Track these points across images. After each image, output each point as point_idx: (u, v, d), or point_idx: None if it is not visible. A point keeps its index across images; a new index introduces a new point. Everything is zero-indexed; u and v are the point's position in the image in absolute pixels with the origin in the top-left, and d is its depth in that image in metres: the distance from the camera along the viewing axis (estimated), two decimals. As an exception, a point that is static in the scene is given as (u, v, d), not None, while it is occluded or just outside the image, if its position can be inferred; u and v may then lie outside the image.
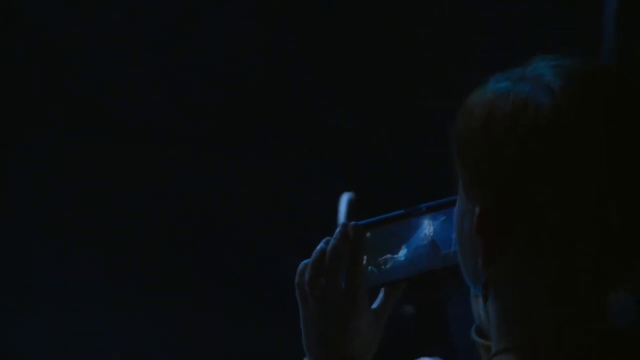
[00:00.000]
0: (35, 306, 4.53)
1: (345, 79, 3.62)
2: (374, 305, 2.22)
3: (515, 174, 1.84)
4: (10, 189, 4.89)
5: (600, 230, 1.84)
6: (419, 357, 2.24)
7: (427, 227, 2.21)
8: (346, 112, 3.51)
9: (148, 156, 4.21)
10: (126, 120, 4.44)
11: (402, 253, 2.22)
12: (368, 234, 2.22)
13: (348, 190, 2.32)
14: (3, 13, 4.73)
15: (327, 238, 2.22)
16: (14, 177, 4.77)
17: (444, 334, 2.33)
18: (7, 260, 4.76)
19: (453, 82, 2.01)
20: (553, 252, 1.83)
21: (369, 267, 2.21)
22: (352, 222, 2.22)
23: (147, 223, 3.97)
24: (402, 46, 3.51)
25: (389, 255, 2.22)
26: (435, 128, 2.01)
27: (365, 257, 2.21)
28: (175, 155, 4.04)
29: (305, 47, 3.73)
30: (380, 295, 2.23)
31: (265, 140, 3.65)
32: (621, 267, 1.84)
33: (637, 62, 3.38)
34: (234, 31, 4.05)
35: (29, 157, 4.85)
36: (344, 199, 2.31)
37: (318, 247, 2.21)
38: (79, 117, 4.63)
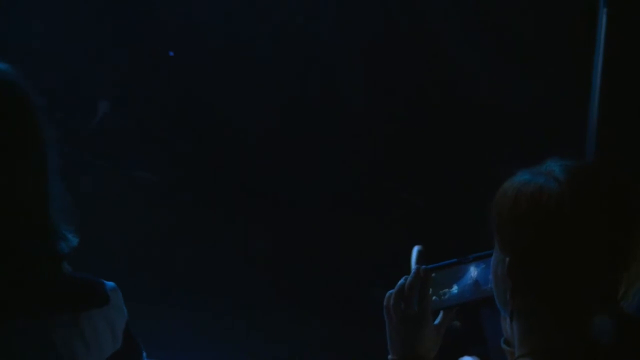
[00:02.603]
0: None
1: (418, 172, 3.60)
2: (436, 322, 2.21)
3: (534, 237, 1.84)
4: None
5: (591, 280, 1.84)
6: (463, 356, 2.22)
7: (473, 271, 2.20)
8: (417, 193, 3.48)
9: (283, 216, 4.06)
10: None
11: (455, 288, 2.21)
12: (433, 274, 2.20)
13: (418, 244, 2.32)
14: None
15: (406, 276, 2.22)
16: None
17: (482, 341, 2.31)
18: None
19: (488, 176, 2.01)
20: (560, 290, 1.84)
21: (433, 297, 2.20)
22: (422, 266, 2.21)
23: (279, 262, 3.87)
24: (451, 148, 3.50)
25: (446, 289, 2.21)
26: (477, 204, 2.01)
27: (430, 290, 2.21)
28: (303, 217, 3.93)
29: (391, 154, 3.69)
30: (440, 315, 2.22)
31: (366, 210, 3.61)
32: (608, 302, 1.84)
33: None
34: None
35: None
36: (415, 250, 2.30)
37: (399, 282, 2.21)
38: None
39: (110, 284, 2.11)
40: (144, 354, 2.22)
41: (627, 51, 3.31)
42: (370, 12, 3.62)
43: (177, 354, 3.35)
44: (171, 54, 3.75)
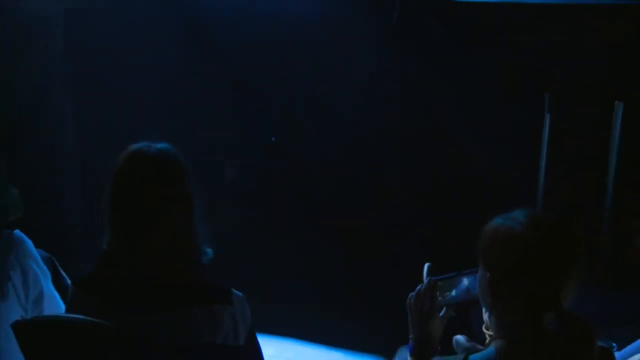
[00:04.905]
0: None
1: (430, 215, 3.55)
2: (440, 314, 2.17)
3: (506, 261, 1.82)
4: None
5: (544, 288, 1.81)
6: (457, 335, 2.19)
7: (465, 281, 2.15)
8: (427, 227, 3.43)
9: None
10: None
11: (454, 292, 2.18)
12: (440, 283, 2.18)
13: (429, 262, 2.29)
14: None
15: (421, 284, 2.19)
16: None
17: (470, 327, 2.27)
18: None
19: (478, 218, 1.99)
20: (524, 295, 1.81)
21: (439, 298, 2.17)
22: (433, 278, 2.18)
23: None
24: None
25: (448, 293, 2.18)
26: (469, 237, 1.99)
27: (438, 293, 2.19)
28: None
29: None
30: (443, 310, 2.19)
31: (396, 238, 3.55)
32: (555, 303, 1.82)
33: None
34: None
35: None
36: (426, 266, 2.27)
37: (417, 288, 2.18)
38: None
39: (238, 293, 2.07)
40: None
41: (560, 142, 3.34)
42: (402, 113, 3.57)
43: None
44: (273, 139, 3.73)
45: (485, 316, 2.00)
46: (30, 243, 2.19)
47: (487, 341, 1.98)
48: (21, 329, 1.93)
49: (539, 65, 3.33)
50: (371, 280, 3.47)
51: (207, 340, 1.99)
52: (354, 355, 3.22)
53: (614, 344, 1.96)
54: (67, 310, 2.05)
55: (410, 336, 2.17)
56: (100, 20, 3.47)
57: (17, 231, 2.18)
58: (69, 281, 2.33)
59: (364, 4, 3.36)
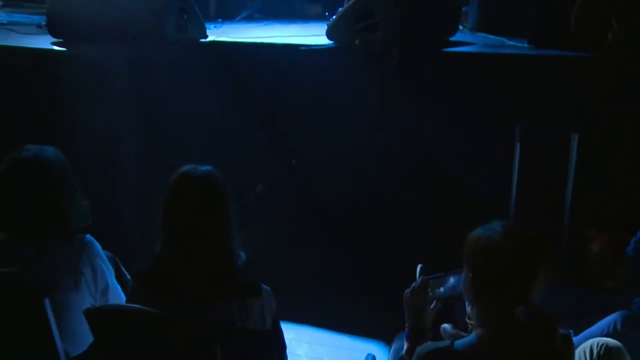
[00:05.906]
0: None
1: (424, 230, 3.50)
2: (431, 307, 2.17)
3: (484, 263, 1.83)
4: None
5: (516, 287, 1.80)
6: (444, 324, 2.18)
7: (452, 280, 2.15)
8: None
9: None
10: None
11: (442, 288, 2.17)
12: (430, 281, 2.17)
13: (422, 263, 2.28)
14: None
15: (415, 282, 2.18)
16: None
17: (454, 317, 2.26)
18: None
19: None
20: (499, 292, 1.81)
21: (430, 294, 2.16)
22: (425, 277, 2.18)
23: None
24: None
25: (437, 289, 2.17)
26: (455, 244, 1.99)
27: (429, 290, 2.19)
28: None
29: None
30: (433, 304, 2.17)
31: (399, 247, 3.50)
32: (525, 299, 1.82)
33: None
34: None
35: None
36: (419, 267, 2.26)
37: (412, 285, 2.18)
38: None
39: (266, 287, 2.07)
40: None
41: (530, 170, 3.34)
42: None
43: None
44: (294, 162, 3.73)
45: (468, 309, 2.00)
46: (98, 245, 2.22)
47: (469, 329, 1.99)
48: (91, 314, 1.95)
49: (511, 102, 3.34)
50: (374, 278, 3.46)
51: (240, 326, 2.00)
52: (359, 339, 3.22)
53: (571, 331, 1.96)
54: (127, 301, 2.08)
55: (406, 325, 2.16)
56: (158, 68, 3.49)
57: (87, 235, 2.21)
58: (128, 277, 2.36)
59: (369, 56, 3.40)
